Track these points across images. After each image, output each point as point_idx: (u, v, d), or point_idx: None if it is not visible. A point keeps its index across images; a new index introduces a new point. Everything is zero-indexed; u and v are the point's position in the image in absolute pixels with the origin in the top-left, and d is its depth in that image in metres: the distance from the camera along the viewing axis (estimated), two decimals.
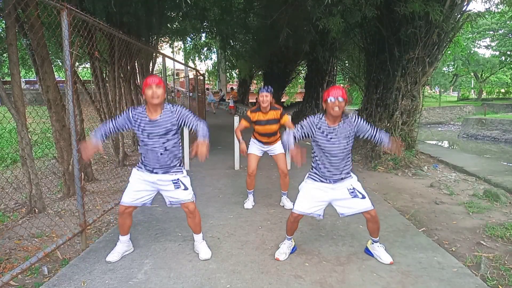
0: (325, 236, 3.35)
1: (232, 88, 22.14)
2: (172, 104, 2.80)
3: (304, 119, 2.71)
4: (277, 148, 4.07)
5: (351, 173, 2.81)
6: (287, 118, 3.96)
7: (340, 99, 2.51)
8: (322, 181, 2.75)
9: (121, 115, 2.77)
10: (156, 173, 2.78)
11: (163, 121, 2.68)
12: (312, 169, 2.83)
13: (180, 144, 2.89)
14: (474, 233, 3.54)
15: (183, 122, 2.72)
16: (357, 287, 2.49)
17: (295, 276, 2.63)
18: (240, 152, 4.05)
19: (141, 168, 2.83)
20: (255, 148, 4.10)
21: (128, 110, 2.75)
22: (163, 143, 2.71)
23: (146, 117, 2.68)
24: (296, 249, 3.03)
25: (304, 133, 2.66)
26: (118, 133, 2.71)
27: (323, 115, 2.67)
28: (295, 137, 2.63)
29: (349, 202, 2.74)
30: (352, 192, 2.73)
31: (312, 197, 2.77)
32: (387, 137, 2.76)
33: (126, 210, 2.84)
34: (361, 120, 2.69)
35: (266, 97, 3.79)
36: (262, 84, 22.15)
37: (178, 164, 2.85)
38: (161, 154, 2.73)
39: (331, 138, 2.63)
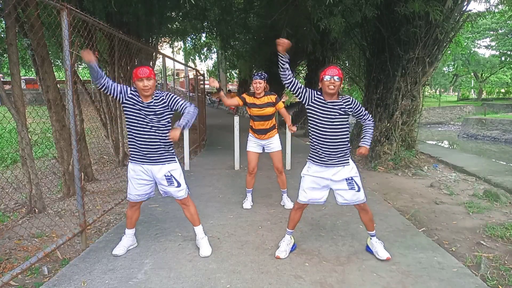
0: (325, 236, 3.35)
1: (229, 91, 22.10)
2: (162, 91, 2.87)
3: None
4: (274, 144, 4.06)
5: (350, 160, 2.83)
6: (282, 105, 3.98)
7: (336, 78, 2.59)
8: (319, 164, 2.79)
9: (119, 86, 2.78)
10: (147, 162, 2.81)
11: (154, 105, 2.74)
12: (310, 152, 2.86)
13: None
14: (474, 233, 3.54)
15: (174, 105, 2.79)
16: (357, 287, 2.49)
17: (295, 276, 2.63)
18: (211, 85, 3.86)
19: (133, 160, 2.86)
20: (253, 145, 4.08)
21: (127, 88, 2.79)
22: (154, 122, 2.74)
23: (139, 98, 2.74)
24: (296, 248, 3.04)
25: (300, 86, 2.72)
26: (107, 88, 2.71)
27: (321, 93, 2.74)
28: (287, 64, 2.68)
29: (345, 193, 2.81)
30: (350, 183, 2.79)
31: (313, 186, 2.83)
32: (366, 139, 2.83)
33: (136, 204, 2.98)
34: (356, 102, 2.75)
35: (259, 84, 3.79)
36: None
37: (169, 150, 2.86)
38: (153, 137, 2.75)
39: (325, 110, 2.70)
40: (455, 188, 5.11)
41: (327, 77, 2.61)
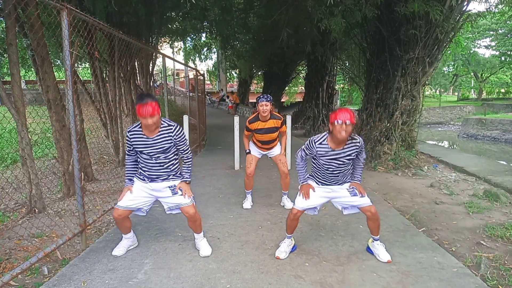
0: (325, 236, 3.35)
1: (232, 92, 22.39)
2: (170, 121, 2.80)
3: (306, 146, 2.76)
4: (275, 150, 4.08)
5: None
6: (285, 129, 4.04)
7: (348, 122, 2.43)
8: (321, 185, 2.87)
9: (126, 143, 2.85)
10: (153, 181, 2.85)
11: (159, 140, 2.72)
12: (312, 173, 2.91)
13: (177, 158, 2.94)
14: (474, 233, 3.54)
15: (179, 145, 2.80)
16: (357, 287, 2.49)
17: (295, 276, 2.63)
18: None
19: (140, 178, 2.89)
20: (255, 150, 4.13)
21: (127, 134, 2.80)
22: (161, 158, 2.78)
23: (143, 135, 2.72)
24: (296, 248, 3.04)
25: (308, 158, 2.83)
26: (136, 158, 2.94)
27: (325, 138, 2.65)
28: (304, 162, 2.83)
29: (348, 199, 2.82)
30: (351, 191, 2.81)
31: (312, 194, 2.84)
32: (358, 175, 2.87)
33: (119, 217, 2.85)
34: (363, 148, 2.72)
35: (266, 107, 3.74)
36: (263, 84, 22.16)
37: (176, 173, 2.91)
38: (159, 167, 2.80)
39: (333, 159, 2.68)
40: (455, 188, 5.11)
41: (338, 121, 2.44)
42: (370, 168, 6.38)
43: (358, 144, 2.65)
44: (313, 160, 2.84)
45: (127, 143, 2.82)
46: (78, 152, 3.07)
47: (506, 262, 2.92)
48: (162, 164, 2.80)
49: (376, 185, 5.35)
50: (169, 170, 2.84)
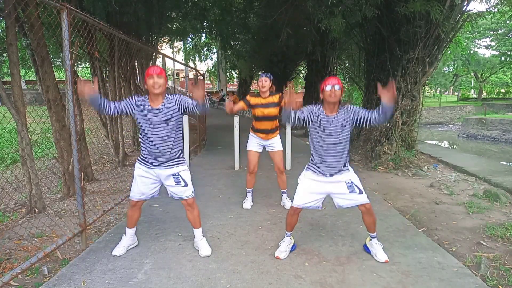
0: (325, 236, 3.35)
1: (233, 93, 22.50)
2: (172, 94, 2.86)
3: (304, 107, 2.77)
4: (276, 144, 4.06)
5: (348, 166, 2.84)
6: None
7: (337, 87, 2.63)
8: (319, 174, 2.81)
9: (124, 100, 2.83)
10: (157, 166, 2.84)
11: (164, 109, 2.75)
12: (310, 162, 2.88)
13: (181, 136, 2.93)
14: (474, 233, 3.54)
15: (183, 105, 2.77)
16: (357, 287, 2.49)
17: (295, 276, 2.63)
18: (226, 108, 3.90)
19: (142, 162, 2.89)
20: (254, 144, 4.07)
21: (132, 97, 2.83)
22: (165, 131, 2.76)
23: (148, 105, 2.76)
24: (296, 248, 3.04)
25: (303, 116, 2.72)
26: (115, 113, 2.80)
27: (321, 106, 2.76)
28: (294, 114, 2.70)
29: (346, 196, 2.80)
30: (350, 186, 2.78)
31: (310, 190, 2.83)
32: (382, 106, 2.60)
33: (137, 204, 2.96)
34: (356, 107, 2.75)
35: (265, 82, 3.80)
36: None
37: (179, 156, 2.89)
38: (162, 143, 2.77)
39: (328, 127, 2.70)
40: (455, 188, 5.11)
41: (328, 87, 2.64)
42: (370, 168, 6.39)
43: (348, 109, 2.72)
44: (310, 139, 2.82)
45: (127, 99, 2.80)
46: (78, 152, 3.07)
47: (506, 262, 2.92)
48: (166, 139, 2.76)
49: (376, 185, 5.35)
50: (171, 148, 2.80)
